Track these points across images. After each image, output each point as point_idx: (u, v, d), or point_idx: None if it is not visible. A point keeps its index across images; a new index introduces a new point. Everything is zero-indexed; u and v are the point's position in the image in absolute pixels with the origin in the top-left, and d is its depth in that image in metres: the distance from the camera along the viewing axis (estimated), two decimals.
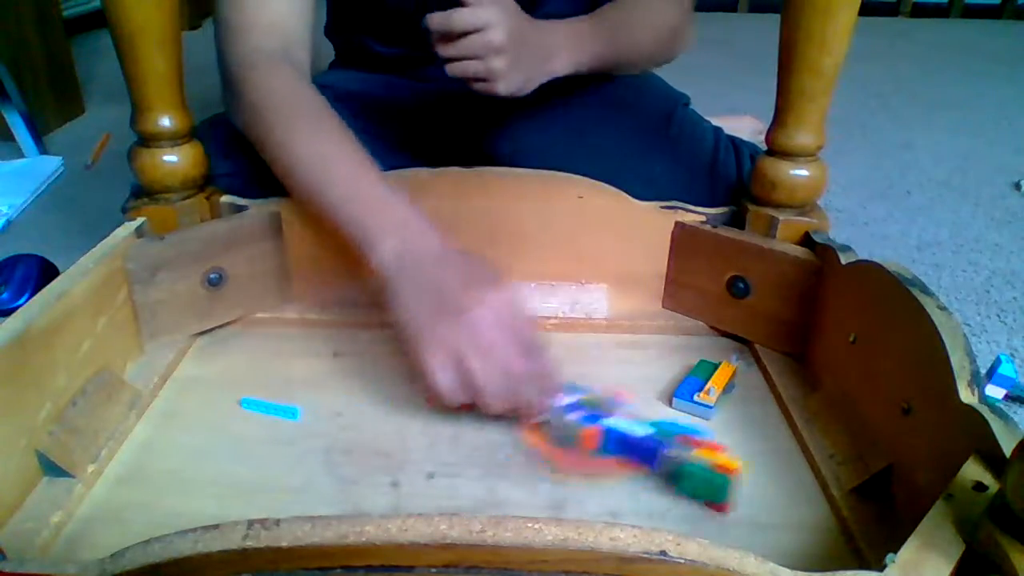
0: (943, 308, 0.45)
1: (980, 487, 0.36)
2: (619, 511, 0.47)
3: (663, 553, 0.30)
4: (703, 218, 0.66)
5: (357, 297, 0.67)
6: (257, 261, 0.66)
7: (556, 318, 0.67)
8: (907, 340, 0.46)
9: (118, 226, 0.60)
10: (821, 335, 0.58)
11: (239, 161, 0.70)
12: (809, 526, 0.46)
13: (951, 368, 0.41)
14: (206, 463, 0.51)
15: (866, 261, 0.53)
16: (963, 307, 0.84)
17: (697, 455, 0.46)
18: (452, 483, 0.49)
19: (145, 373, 0.58)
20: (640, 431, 0.49)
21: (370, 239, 0.55)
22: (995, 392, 0.65)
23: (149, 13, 0.57)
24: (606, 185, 0.66)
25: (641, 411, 0.51)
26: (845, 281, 0.55)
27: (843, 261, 0.55)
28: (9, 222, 1.03)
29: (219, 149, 0.68)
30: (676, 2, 0.77)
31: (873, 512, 0.45)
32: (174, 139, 0.62)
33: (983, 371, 0.64)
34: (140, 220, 0.61)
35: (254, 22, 0.66)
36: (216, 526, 0.32)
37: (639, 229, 0.66)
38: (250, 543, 0.31)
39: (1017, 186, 1.20)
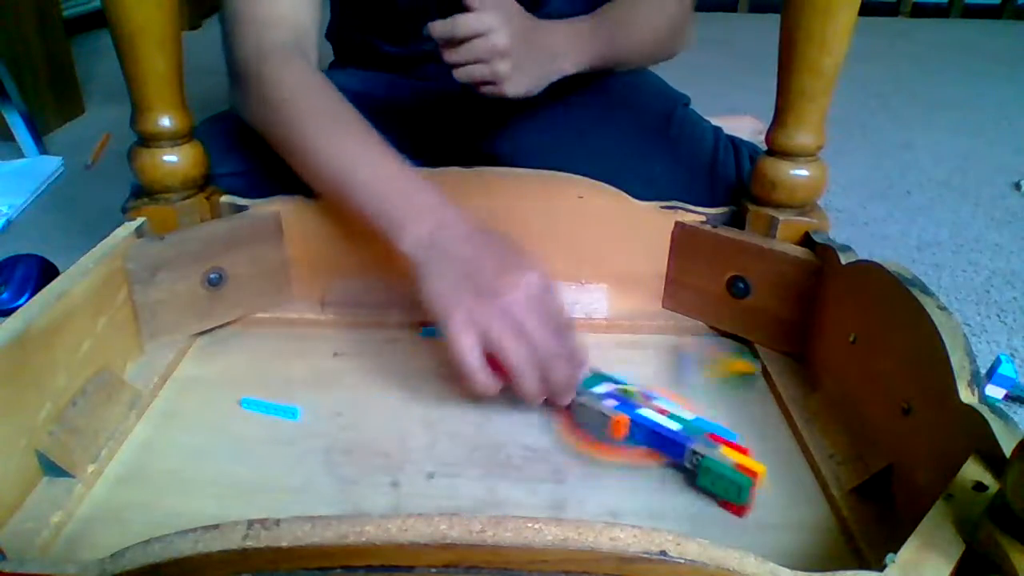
0: (943, 308, 0.45)
1: (980, 487, 0.36)
2: (619, 511, 0.46)
3: (663, 553, 0.30)
4: (703, 218, 0.66)
5: (357, 297, 0.67)
6: (257, 261, 0.66)
7: None
8: (907, 340, 0.46)
9: (118, 226, 0.60)
10: (821, 335, 0.58)
11: (240, 160, 0.70)
12: (809, 526, 0.46)
13: (951, 368, 0.41)
14: (206, 463, 0.51)
15: (866, 261, 0.53)
16: (963, 307, 0.84)
17: (723, 453, 0.46)
18: (452, 483, 0.49)
19: (145, 373, 0.58)
20: (669, 424, 0.49)
21: (399, 225, 0.55)
22: (995, 392, 0.65)
23: (149, 13, 0.57)
24: (606, 185, 0.66)
25: (675, 408, 0.52)
26: (845, 281, 0.55)
27: (843, 261, 0.55)
28: (9, 222, 1.03)
29: (220, 148, 0.68)
30: (677, 0, 0.77)
31: (873, 512, 0.45)
32: (174, 139, 0.62)
33: (983, 371, 0.64)
34: (140, 220, 0.61)
35: (266, 15, 0.65)
36: (216, 526, 0.32)
37: (639, 229, 0.66)
38: (250, 543, 0.31)
39: (1017, 186, 1.20)
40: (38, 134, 1.29)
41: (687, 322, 0.67)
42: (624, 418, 0.50)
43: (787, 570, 0.31)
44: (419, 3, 0.76)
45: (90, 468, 0.48)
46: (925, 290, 0.47)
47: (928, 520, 0.34)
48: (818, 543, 0.44)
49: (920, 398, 0.44)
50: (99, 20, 0.91)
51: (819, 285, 0.59)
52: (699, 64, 1.56)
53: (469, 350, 0.50)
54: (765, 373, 0.61)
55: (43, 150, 1.29)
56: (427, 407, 0.56)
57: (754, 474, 0.45)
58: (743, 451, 0.47)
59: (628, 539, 0.31)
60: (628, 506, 0.47)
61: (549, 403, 0.53)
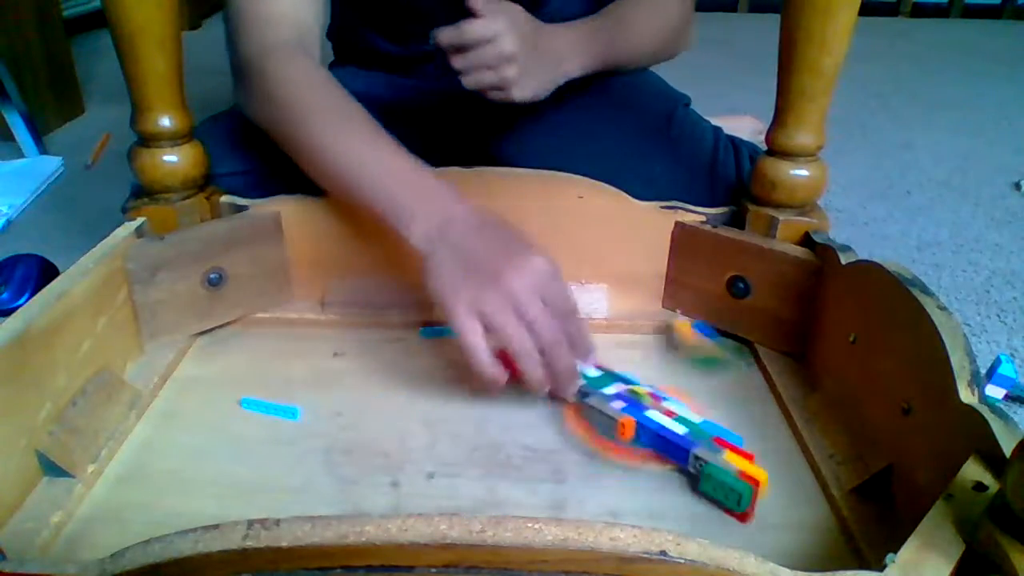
0: (943, 308, 0.45)
1: (980, 487, 0.36)
2: (619, 511, 0.47)
3: (663, 553, 0.30)
4: (703, 218, 0.66)
5: (357, 297, 0.67)
6: (257, 261, 0.66)
7: None
8: (907, 340, 0.46)
9: (118, 226, 0.60)
10: (821, 335, 0.58)
11: (240, 160, 0.70)
12: (809, 526, 0.46)
13: (951, 368, 0.41)
14: (206, 463, 0.51)
15: (866, 261, 0.53)
16: (963, 307, 0.84)
17: (727, 459, 0.46)
18: (452, 483, 0.49)
19: (145, 373, 0.58)
20: (675, 428, 0.49)
21: (409, 219, 0.55)
22: (995, 392, 0.65)
23: (149, 13, 0.57)
24: (606, 185, 0.66)
25: (682, 410, 0.52)
26: (845, 281, 0.55)
27: (843, 261, 0.55)
28: (9, 222, 1.03)
29: (220, 148, 0.68)
30: (678, 1, 0.77)
31: (873, 512, 0.45)
32: (174, 139, 0.62)
33: (983, 371, 0.64)
34: (140, 220, 0.61)
35: (270, 12, 0.65)
36: (216, 526, 0.32)
37: (639, 229, 0.66)
38: (250, 543, 0.31)
39: (1017, 186, 1.20)
40: (38, 134, 1.29)
41: None
42: (630, 420, 0.50)
43: (787, 570, 0.31)
44: (420, 3, 0.76)
45: (90, 468, 0.48)
46: (925, 290, 0.47)
47: (928, 520, 0.34)
48: (818, 543, 0.44)
49: (920, 398, 0.44)
50: (99, 20, 0.91)
51: (819, 285, 0.59)
52: (699, 64, 1.56)
53: (473, 333, 0.50)
54: (765, 373, 0.61)
55: (43, 150, 1.29)
56: (427, 407, 0.56)
57: (756, 482, 0.45)
58: (748, 456, 0.47)
59: (628, 539, 0.31)
60: (628, 506, 0.47)
61: (553, 396, 0.53)
